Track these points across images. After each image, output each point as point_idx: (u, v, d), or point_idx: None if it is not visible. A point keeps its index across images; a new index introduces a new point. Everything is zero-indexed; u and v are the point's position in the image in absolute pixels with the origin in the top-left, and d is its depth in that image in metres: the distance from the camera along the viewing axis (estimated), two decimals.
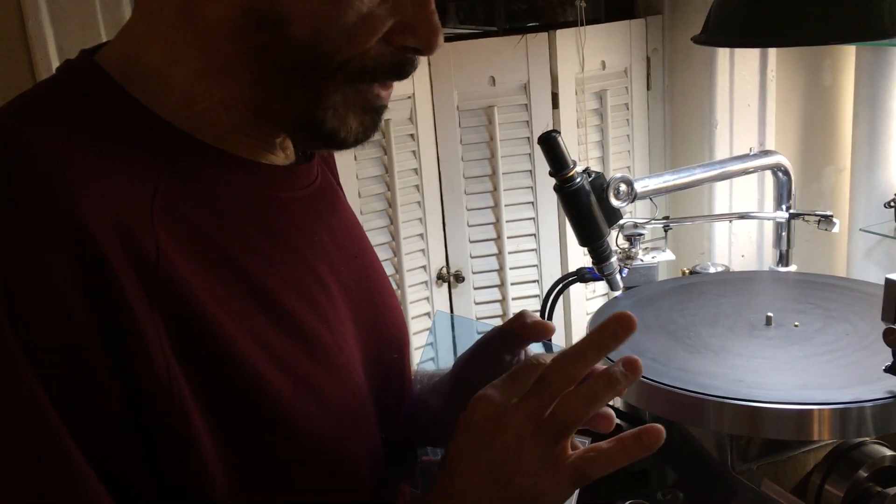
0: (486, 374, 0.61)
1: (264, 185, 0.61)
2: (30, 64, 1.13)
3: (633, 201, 1.17)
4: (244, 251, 0.57)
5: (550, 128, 1.55)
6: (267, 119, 0.59)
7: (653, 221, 1.28)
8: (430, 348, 0.97)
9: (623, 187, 1.15)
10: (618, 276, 1.21)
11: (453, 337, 0.91)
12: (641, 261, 1.29)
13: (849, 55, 1.70)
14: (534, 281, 1.70)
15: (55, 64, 1.11)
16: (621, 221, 1.21)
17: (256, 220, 0.59)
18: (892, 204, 1.56)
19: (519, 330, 0.68)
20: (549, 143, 1.11)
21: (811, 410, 0.94)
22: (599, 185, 1.16)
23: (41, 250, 0.46)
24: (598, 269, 1.20)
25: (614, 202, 1.15)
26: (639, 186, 1.17)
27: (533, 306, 1.71)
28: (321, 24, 0.53)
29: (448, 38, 1.60)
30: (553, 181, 1.14)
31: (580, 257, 1.69)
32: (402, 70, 0.59)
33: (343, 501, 0.60)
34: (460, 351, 0.74)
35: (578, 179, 1.13)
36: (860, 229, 1.62)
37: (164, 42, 0.56)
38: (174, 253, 0.51)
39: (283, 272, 0.59)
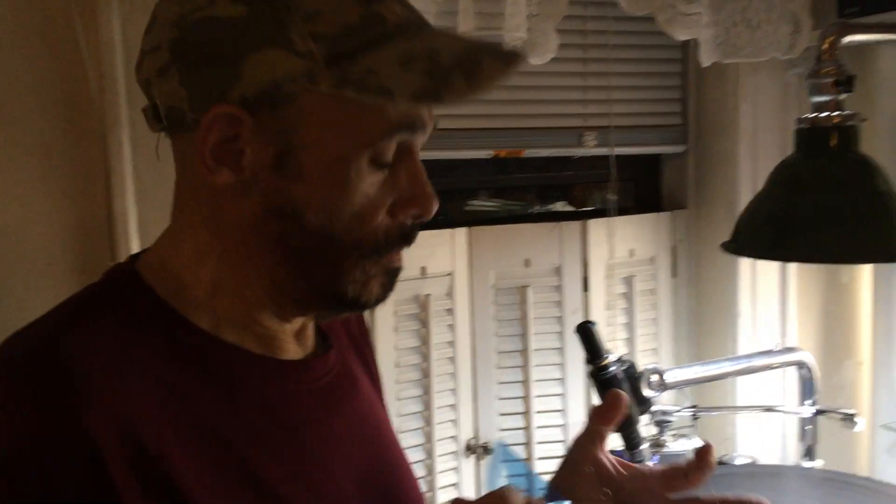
0: None
1: (277, 379, 0.66)
2: (110, 246, 1.23)
3: (664, 391, 1.22)
4: (250, 443, 0.62)
5: (580, 309, 1.64)
6: (287, 297, 0.65)
7: (683, 409, 1.32)
8: None
9: (655, 378, 1.21)
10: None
11: None
12: (670, 448, 1.32)
13: None
14: (559, 456, 1.72)
15: (134, 247, 1.20)
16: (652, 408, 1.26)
17: (266, 413, 0.64)
18: None
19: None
20: (586, 333, 1.19)
21: None
22: (632, 374, 1.22)
23: (44, 447, 0.52)
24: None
25: (646, 392, 1.20)
26: (669, 377, 1.23)
27: None
28: (332, 211, 0.61)
29: (487, 221, 1.72)
30: (587, 367, 1.20)
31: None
32: (409, 238, 0.66)
33: None
34: None
35: (613, 368, 1.19)
36: (881, 426, 1.65)
37: (191, 244, 0.64)
38: (177, 449, 0.56)
39: (286, 462, 0.63)
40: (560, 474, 0.80)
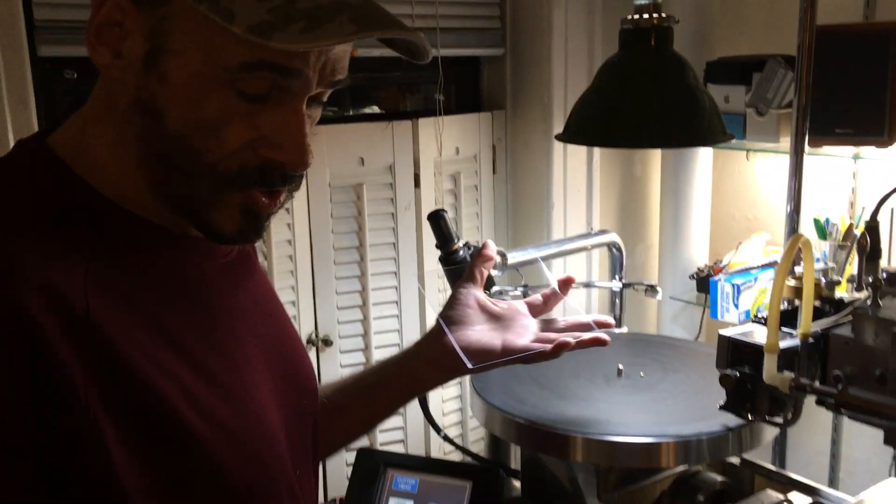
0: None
1: (188, 256, 0.70)
2: None
3: (505, 270, 1.35)
4: (168, 312, 0.66)
5: (412, 205, 1.73)
6: (159, 197, 0.65)
7: (518, 288, 1.47)
8: None
9: (499, 258, 1.33)
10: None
11: None
12: None
13: (656, 151, 2.03)
14: (396, 345, 1.83)
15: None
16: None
17: (181, 287, 0.68)
18: (695, 276, 1.86)
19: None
20: (438, 221, 1.28)
21: (660, 443, 1.14)
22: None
23: None
24: None
25: (491, 271, 1.32)
26: (510, 258, 1.36)
27: None
28: (188, 123, 0.61)
29: (321, 122, 1.74)
30: (439, 252, 1.30)
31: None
32: (265, 180, 0.64)
33: None
34: None
35: (461, 252, 1.30)
36: (670, 297, 1.92)
37: (94, 123, 0.66)
38: (104, 311, 0.60)
39: (202, 330, 0.68)
40: (448, 308, 1.00)
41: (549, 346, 0.95)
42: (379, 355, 1.82)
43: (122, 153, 0.65)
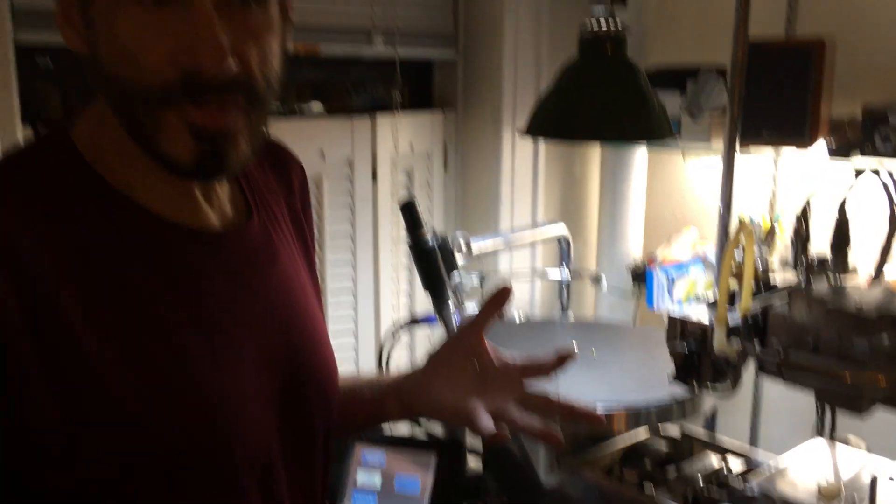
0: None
1: (186, 248, 0.68)
2: None
3: (470, 258, 1.45)
4: (152, 301, 0.65)
5: (370, 198, 1.81)
6: (139, 145, 0.65)
7: (475, 273, 1.57)
8: None
9: (462, 242, 1.43)
10: (454, 320, 1.47)
11: None
12: (467, 308, 1.56)
13: (594, 151, 2.17)
14: (350, 331, 1.90)
15: None
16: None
17: (169, 279, 0.67)
18: (632, 269, 2.00)
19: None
20: (410, 209, 1.36)
21: (613, 413, 1.26)
22: (443, 244, 1.42)
23: None
24: (438, 312, 1.45)
25: (458, 256, 1.42)
26: (474, 246, 1.45)
27: (349, 356, 1.91)
28: (115, 56, 0.61)
29: (282, 116, 1.81)
30: (408, 239, 1.39)
31: (390, 312, 1.94)
32: (188, 90, 0.60)
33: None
34: None
35: (429, 239, 1.39)
36: (607, 289, 2.05)
37: (98, 110, 0.68)
38: (67, 294, 0.61)
39: (174, 306, 0.66)
40: (441, 347, 0.91)
41: (491, 430, 0.82)
42: (334, 343, 1.88)
43: (113, 132, 0.66)
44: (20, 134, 1.28)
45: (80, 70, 0.65)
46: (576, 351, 0.88)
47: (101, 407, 0.60)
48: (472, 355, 0.88)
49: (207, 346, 0.68)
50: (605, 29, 1.30)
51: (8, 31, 1.25)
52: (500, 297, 0.87)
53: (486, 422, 0.82)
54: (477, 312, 0.88)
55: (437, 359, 0.90)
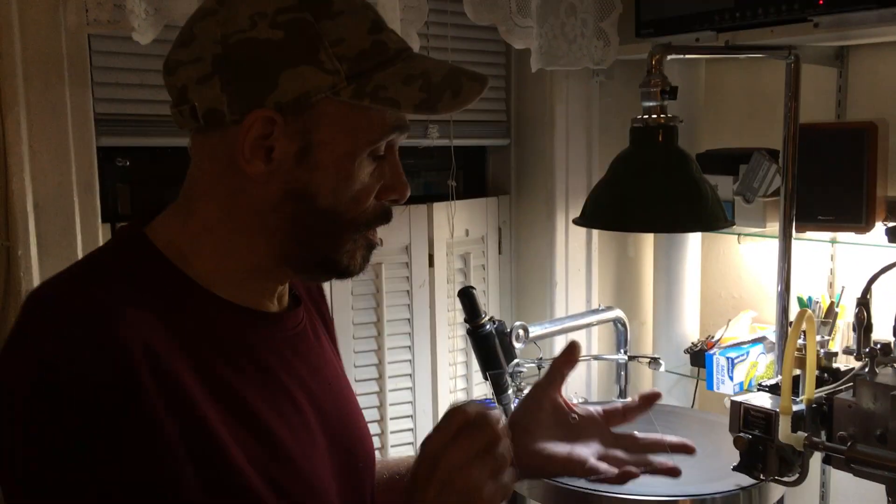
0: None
1: (260, 327, 0.81)
2: (6, 222, 1.25)
3: (527, 343, 1.46)
4: (237, 378, 0.76)
5: (426, 283, 1.84)
6: (291, 263, 0.81)
7: (533, 361, 1.58)
8: None
9: (521, 332, 1.45)
10: (512, 405, 1.48)
11: None
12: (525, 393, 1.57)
13: (648, 234, 2.19)
14: (409, 416, 1.92)
15: (31, 224, 1.26)
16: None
17: (248, 354, 0.79)
18: (689, 350, 1.99)
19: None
20: (468, 296, 1.40)
21: (677, 501, 1.25)
22: (501, 330, 1.45)
23: (92, 358, 0.66)
24: (497, 400, 1.47)
25: (515, 343, 1.44)
26: (531, 331, 1.47)
27: (408, 438, 1.92)
28: (338, 195, 0.77)
29: None
30: (467, 325, 1.42)
31: (448, 396, 1.95)
32: (388, 217, 0.82)
33: None
34: None
35: (487, 326, 1.41)
36: (665, 370, 2.03)
37: (199, 221, 0.79)
38: (184, 375, 0.70)
39: (265, 395, 0.79)
40: (519, 410, 0.96)
41: (614, 471, 0.89)
42: (393, 426, 1.90)
43: (225, 249, 0.78)
44: (101, 233, 1.35)
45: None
46: (660, 393, 0.97)
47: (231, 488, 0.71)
48: (555, 411, 0.94)
49: (296, 442, 0.79)
50: (655, 118, 1.33)
51: (91, 136, 1.34)
52: (571, 352, 0.96)
53: (604, 465, 0.90)
54: (549, 370, 0.96)
55: (522, 421, 0.94)
